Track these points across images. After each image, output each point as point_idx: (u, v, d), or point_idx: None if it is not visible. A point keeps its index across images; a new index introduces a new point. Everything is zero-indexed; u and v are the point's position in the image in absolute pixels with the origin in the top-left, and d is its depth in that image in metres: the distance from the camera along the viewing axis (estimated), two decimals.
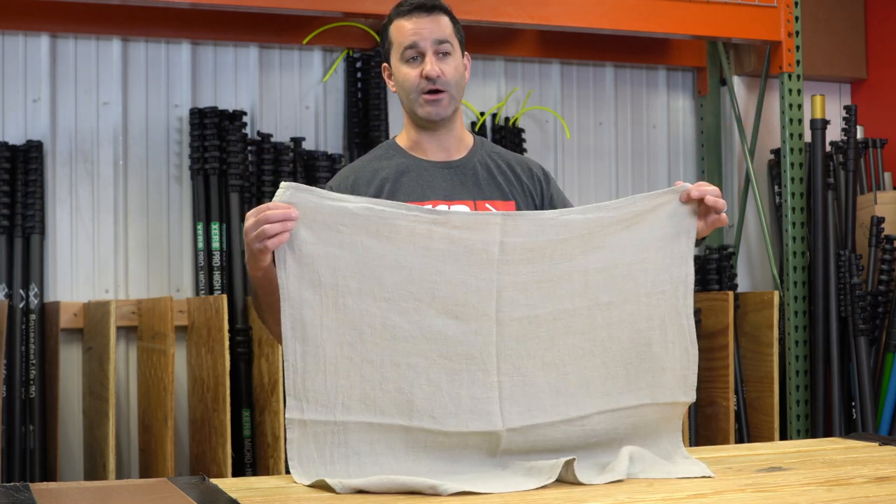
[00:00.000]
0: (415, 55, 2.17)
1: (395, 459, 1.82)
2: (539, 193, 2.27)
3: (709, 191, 1.95)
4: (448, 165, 2.22)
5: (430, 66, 2.15)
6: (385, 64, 2.26)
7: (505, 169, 2.26)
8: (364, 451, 1.81)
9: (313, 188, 1.81)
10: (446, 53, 2.18)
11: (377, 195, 2.15)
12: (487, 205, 2.19)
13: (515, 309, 1.87)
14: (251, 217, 1.79)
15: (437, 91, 2.17)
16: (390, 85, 2.26)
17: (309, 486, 1.75)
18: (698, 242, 2.04)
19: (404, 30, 2.18)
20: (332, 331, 1.79)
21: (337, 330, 1.79)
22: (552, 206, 2.26)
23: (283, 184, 1.80)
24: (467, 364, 1.85)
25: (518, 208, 2.22)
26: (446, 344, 1.84)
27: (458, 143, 2.25)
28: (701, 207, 1.97)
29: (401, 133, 2.29)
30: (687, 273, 1.98)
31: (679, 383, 1.98)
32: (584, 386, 1.91)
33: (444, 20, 2.20)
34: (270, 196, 3.70)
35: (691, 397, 1.99)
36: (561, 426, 1.89)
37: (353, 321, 1.80)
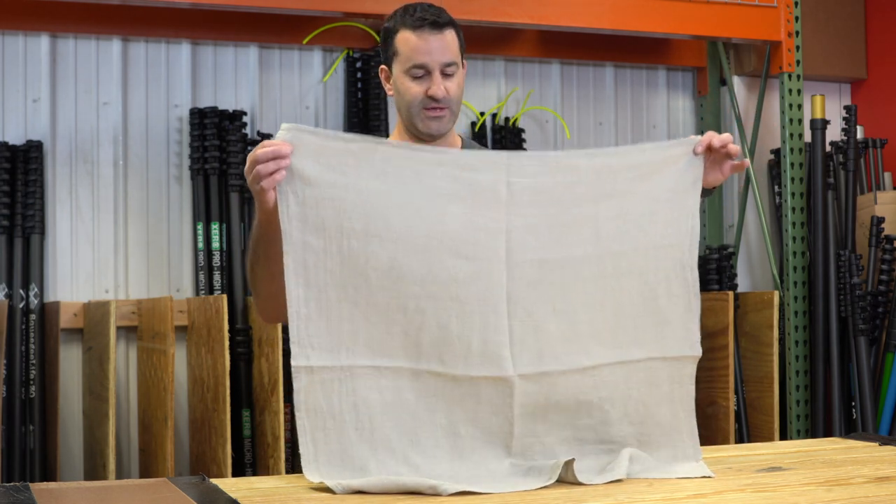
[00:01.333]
0: (421, 74, 2.18)
1: (407, 410, 1.79)
2: None
3: (728, 139, 1.95)
4: None
5: (437, 86, 2.16)
6: (384, 66, 2.26)
7: None
8: (373, 399, 1.78)
9: (316, 129, 1.79)
10: (451, 74, 2.19)
11: None
12: None
13: (526, 251, 1.85)
14: (248, 159, 1.78)
15: (440, 108, 2.18)
16: (387, 87, 2.26)
17: (309, 487, 1.75)
18: (710, 192, 2.04)
19: (412, 45, 2.17)
20: (335, 275, 1.76)
21: (340, 274, 1.76)
22: None
23: (283, 125, 1.77)
24: (479, 306, 1.82)
25: None
26: (457, 286, 1.81)
27: (448, 145, 2.27)
28: (717, 156, 1.96)
29: (393, 133, 2.29)
30: (693, 226, 1.97)
31: (684, 337, 1.96)
32: (595, 335, 1.90)
33: (451, 36, 2.19)
34: None
35: (697, 351, 1.97)
36: (573, 376, 1.87)
37: (358, 264, 1.77)
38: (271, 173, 1.74)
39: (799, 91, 4.03)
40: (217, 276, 3.65)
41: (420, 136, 2.23)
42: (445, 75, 2.18)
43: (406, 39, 2.18)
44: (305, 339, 1.76)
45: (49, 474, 3.53)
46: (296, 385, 1.76)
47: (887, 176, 4.39)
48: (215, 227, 3.67)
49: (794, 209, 4.02)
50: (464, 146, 2.30)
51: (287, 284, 1.76)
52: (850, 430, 3.97)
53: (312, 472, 1.74)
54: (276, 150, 1.74)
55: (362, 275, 1.77)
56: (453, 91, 2.19)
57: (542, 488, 1.74)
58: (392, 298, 1.78)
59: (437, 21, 2.17)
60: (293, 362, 1.75)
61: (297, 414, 1.76)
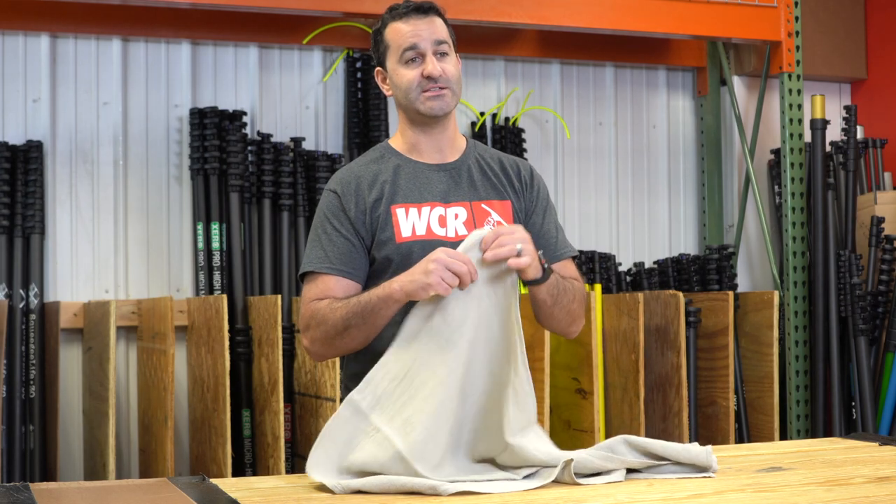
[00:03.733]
0: (414, 56, 2.17)
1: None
2: (523, 196, 2.26)
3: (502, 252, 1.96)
4: (443, 167, 2.22)
5: (433, 65, 2.15)
6: (379, 68, 2.25)
7: (497, 171, 2.26)
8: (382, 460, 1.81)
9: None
10: (444, 53, 2.18)
11: (378, 198, 2.15)
12: (484, 205, 2.18)
13: None
14: (439, 260, 1.88)
15: (439, 87, 2.17)
16: (385, 89, 2.25)
17: (309, 487, 1.75)
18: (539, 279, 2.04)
19: (402, 32, 2.18)
20: (436, 371, 1.84)
21: (438, 371, 1.84)
22: (533, 213, 2.25)
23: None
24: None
25: (513, 208, 2.22)
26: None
27: (452, 146, 2.25)
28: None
29: (394, 137, 2.28)
30: None
31: None
32: None
33: (439, 21, 2.20)
34: (270, 196, 3.71)
35: None
36: None
37: (447, 375, 1.84)
38: (449, 284, 1.88)
39: (799, 91, 4.03)
40: (217, 276, 3.65)
41: (424, 124, 2.21)
42: (439, 55, 2.17)
43: (395, 29, 2.19)
44: (375, 387, 1.85)
45: (49, 474, 3.53)
46: (340, 409, 1.84)
47: (887, 176, 4.39)
48: (215, 227, 3.67)
49: (794, 209, 4.02)
50: (468, 147, 2.28)
51: (397, 342, 1.88)
52: (850, 430, 3.97)
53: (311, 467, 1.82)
54: (468, 272, 1.89)
55: (443, 384, 1.83)
56: (449, 71, 2.17)
57: (541, 488, 1.74)
58: (453, 437, 1.83)
59: (421, 7, 2.20)
60: (353, 394, 1.84)
61: (322, 437, 1.83)
